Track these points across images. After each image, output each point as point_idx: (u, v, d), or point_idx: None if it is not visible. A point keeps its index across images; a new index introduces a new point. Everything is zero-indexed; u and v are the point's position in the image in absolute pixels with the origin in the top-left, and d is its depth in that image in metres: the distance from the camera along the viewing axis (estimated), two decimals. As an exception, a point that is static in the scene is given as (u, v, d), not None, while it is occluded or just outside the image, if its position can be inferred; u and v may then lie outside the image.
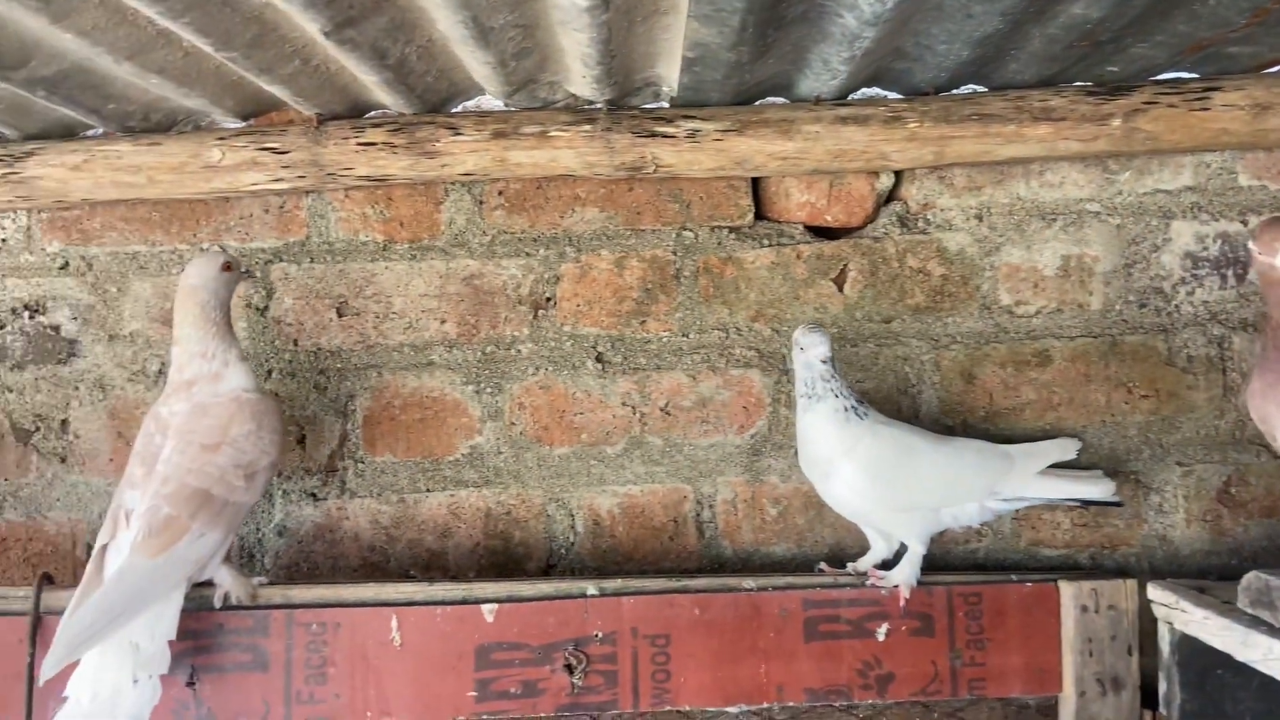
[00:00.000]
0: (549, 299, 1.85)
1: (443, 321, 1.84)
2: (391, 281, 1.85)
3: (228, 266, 1.55)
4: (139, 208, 1.84)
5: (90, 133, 1.78)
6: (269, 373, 1.84)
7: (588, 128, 1.75)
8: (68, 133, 1.77)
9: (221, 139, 1.74)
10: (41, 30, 1.33)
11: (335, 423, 1.83)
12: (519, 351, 1.84)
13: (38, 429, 1.83)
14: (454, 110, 1.80)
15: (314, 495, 1.82)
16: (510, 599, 1.56)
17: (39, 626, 1.43)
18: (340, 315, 1.85)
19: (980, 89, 1.80)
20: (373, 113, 1.80)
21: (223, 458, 1.45)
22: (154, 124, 1.76)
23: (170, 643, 1.41)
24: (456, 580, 1.78)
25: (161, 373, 1.83)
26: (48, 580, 1.48)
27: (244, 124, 1.80)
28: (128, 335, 1.84)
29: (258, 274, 1.80)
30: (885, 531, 1.58)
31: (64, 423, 1.83)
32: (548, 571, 1.82)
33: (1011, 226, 1.84)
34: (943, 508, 1.53)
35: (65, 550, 1.82)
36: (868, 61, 1.56)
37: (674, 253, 1.86)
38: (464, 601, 1.55)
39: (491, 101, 1.83)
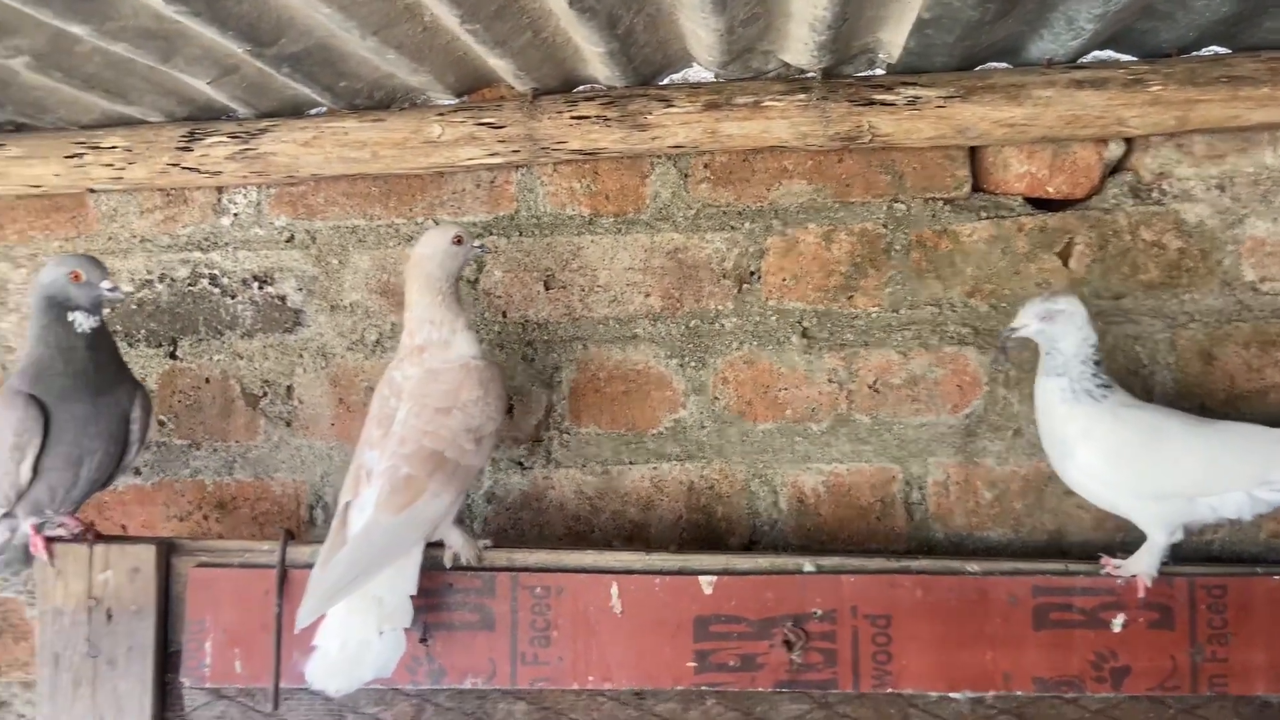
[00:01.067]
0: (753, 273, 1.83)
1: (647, 295, 1.85)
2: (597, 255, 1.86)
3: (458, 240, 1.59)
4: (359, 183, 1.91)
5: (316, 110, 1.86)
6: (480, 344, 1.88)
7: (802, 97, 1.71)
8: (296, 111, 1.85)
9: (441, 115, 1.79)
10: (299, 5, 1.39)
11: (542, 394, 1.86)
12: (723, 326, 1.83)
13: (265, 394, 1.93)
14: (662, 83, 1.79)
15: (521, 464, 1.86)
16: (726, 571, 1.55)
17: (285, 579, 1.50)
18: (547, 288, 1.87)
19: (1223, 50, 1.68)
20: (581, 87, 1.82)
21: (454, 421, 1.49)
22: (376, 101, 1.82)
23: (411, 598, 1.46)
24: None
25: (379, 343, 1.90)
26: (289, 536, 1.55)
27: (458, 100, 1.84)
28: (347, 306, 1.91)
29: (490, 251, 1.83)
30: (1132, 520, 1.49)
31: (289, 389, 1.92)
32: (749, 547, 1.81)
33: (1257, 198, 1.72)
34: (1200, 497, 1.43)
35: (290, 510, 1.91)
36: (1116, 20, 1.47)
37: (885, 225, 1.81)
38: (681, 572, 1.55)
39: (699, 73, 1.82)
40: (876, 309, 1.80)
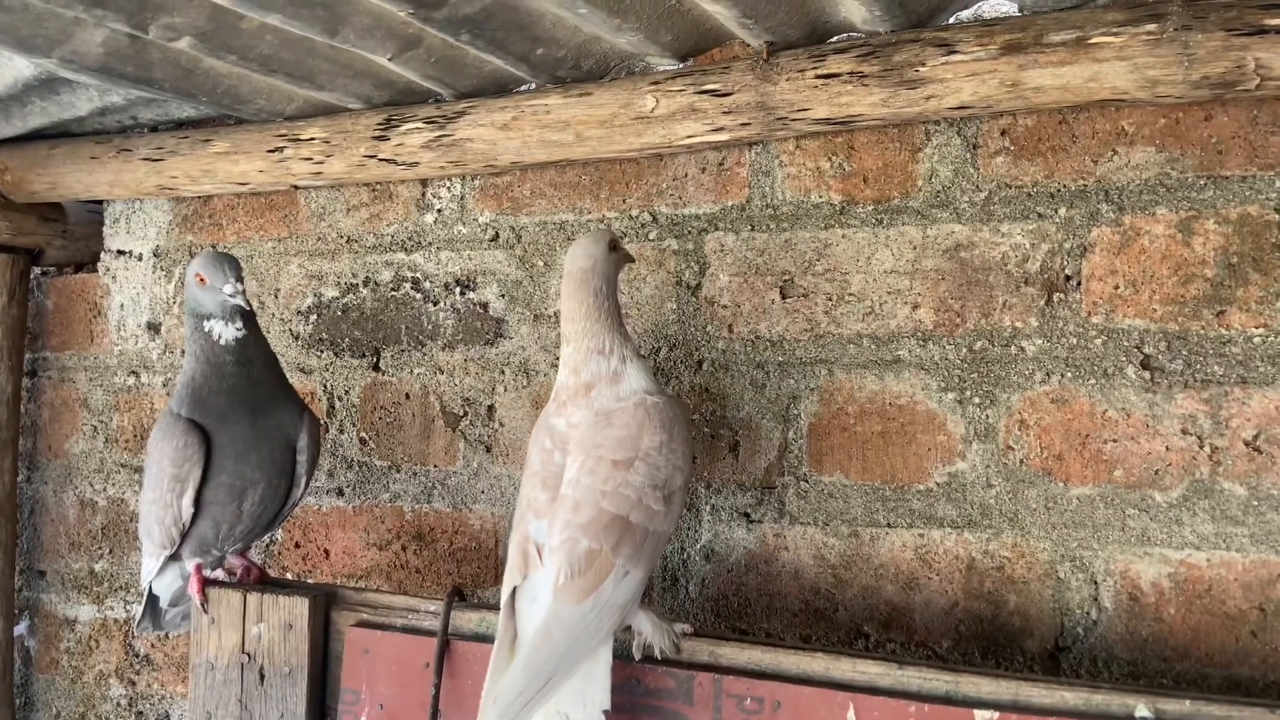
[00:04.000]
0: (1069, 278, 1.33)
1: (915, 307, 1.40)
2: (849, 254, 1.45)
3: (614, 245, 1.24)
4: (568, 171, 1.63)
5: (522, 89, 1.59)
6: (699, 364, 1.53)
7: (1151, 28, 1.19)
8: (500, 89, 1.60)
9: (655, 84, 1.45)
10: (460, -48, 1.11)
11: (775, 429, 1.48)
12: (1022, 350, 1.35)
13: (465, 414, 1.70)
14: (941, 24, 1.34)
15: (747, 515, 1.49)
16: (1015, 706, 1.09)
17: (447, 651, 1.25)
18: (784, 296, 1.48)
19: None
20: (832, 40, 1.40)
21: (637, 476, 1.15)
22: (585, 72, 1.52)
23: (606, 714, 1.14)
24: (930, 655, 1.36)
25: (585, 359, 1.61)
26: (458, 597, 1.30)
27: (679, 65, 1.50)
28: (552, 315, 1.64)
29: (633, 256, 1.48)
30: None
31: (490, 409, 1.68)
32: (1055, 656, 1.32)
33: None
34: None
35: (487, 548, 1.68)
36: None
37: (1278, 210, 1.23)
38: (948, 700, 1.11)
39: (994, 7, 1.34)
40: (1261, 331, 1.23)
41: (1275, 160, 1.23)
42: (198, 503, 1.30)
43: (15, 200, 1.92)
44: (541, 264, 1.65)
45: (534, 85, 1.57)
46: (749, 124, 1.41)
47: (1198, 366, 1.26)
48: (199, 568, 1.36)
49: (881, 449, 1.42)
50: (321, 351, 1.81)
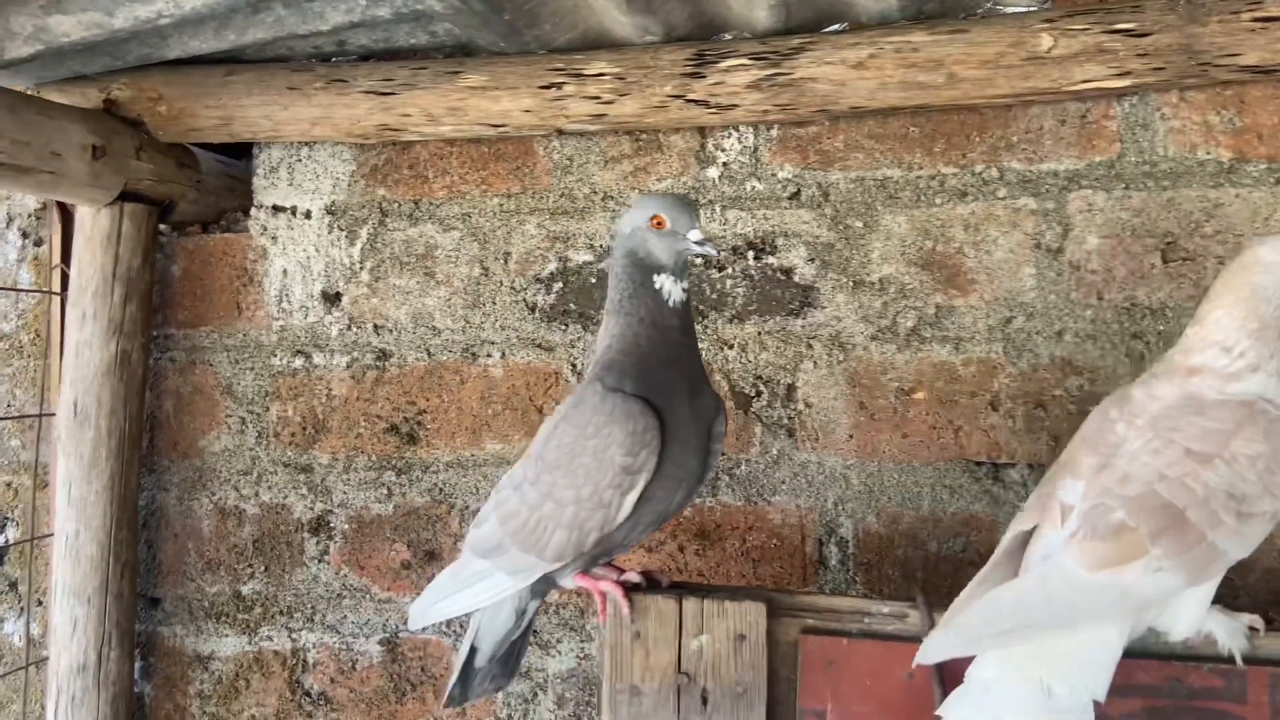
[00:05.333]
0: None
1: (1315, 271, 1.32)
2: (1244, 215, 1.36)
3: None
4: (892, 122, 1.46)
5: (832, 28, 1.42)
6: (1059, 334, 1.40)
7: None
8: (822, 24, 1.42)
9: (1049, 21, 1.32)
10: None
11: (1155, 404, 1.36)
12: None
13: (759, 394, 1.50)
14: (1394, -34, 1.27)
15: (1124, 499, 1.37)
16: None
17: (945, 665, 1.05)
18: (1166, 261, 1.38)
19: None
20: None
21: (1213, 475, 1.00)
22: (934, 11, 1.36)
23: (1096, 704, 0.99)
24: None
25: (916, 331, 1.45)
26: (921, 596, 1.10)
27: (1044, 4, 1.37)
28: (875, 282, 1.46)
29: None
30: None
31: (791, 388, 1.49)
32: None
33: None
34: None
35: (792, 545, 1.48)
36: None
37: None
38: None
39: None
40: None
41: None
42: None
43: (163, 139, 1.56)
44: (860, 225, 1.47)
45: (846, 25, 1.40)
46: (1163, 69, 1.29)
47: None
48: (592, 576, 1.10)
49: (1283, 422, 1.33)
50: (568, 324, 1.56)
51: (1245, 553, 1.03)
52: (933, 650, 1.00)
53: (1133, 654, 1.06)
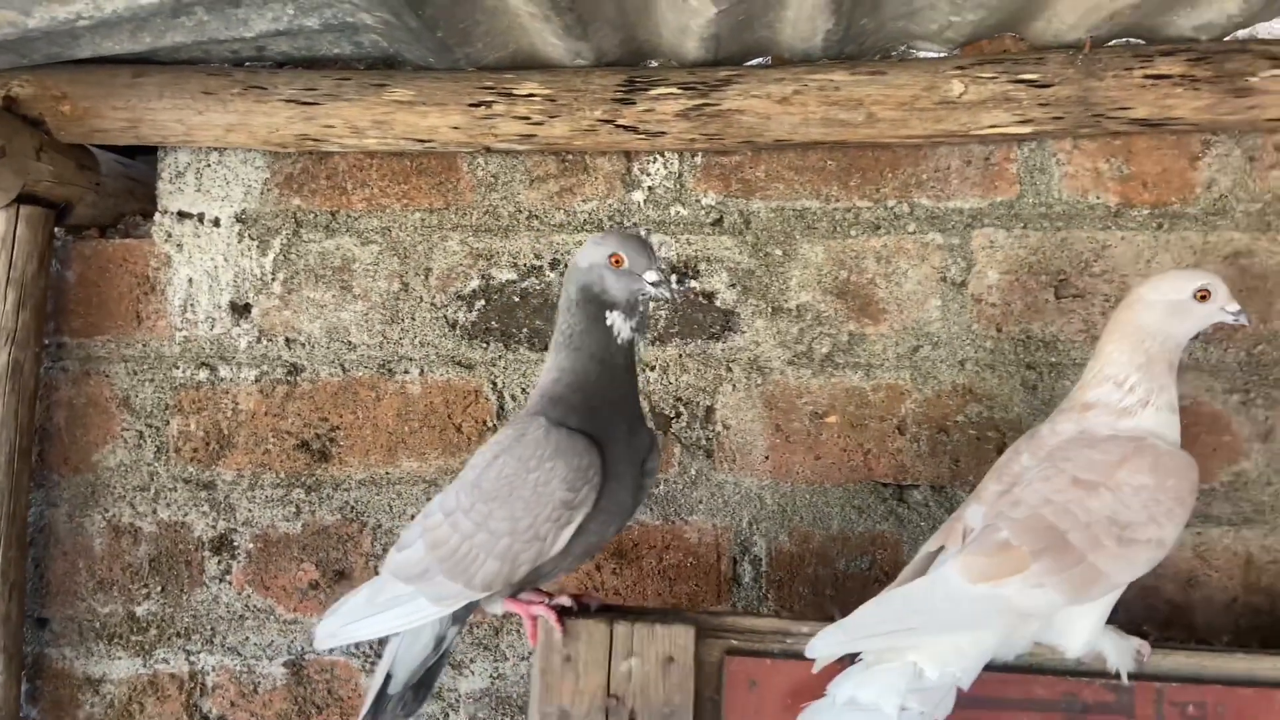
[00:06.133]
0: (1338, 287, 1.43)
1: (1190, 310, 1.44)
2: (1128, 256, 1.46)
3: (1203, 296, 1.15)
4: (811, 155, 1.52)
5: (753, 61, 1.46)
6: (961, 362, 1.48)
7: None
8: (745, 59, 1.46)
9: (960, 68, 1.39)
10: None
11: (1048, 431, 1.46)
12: (1296, 353, 1.43)
13: (679, 415, 1.53)
14: (1264, 36, 1.39)
15: (1018, 520, 1.45)
16: None
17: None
18: (1058, 296, 1.47)
19: None
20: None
21: (1097, 502, 1.08)
22: (864, 49, 1.42)
23: (959, 691, 1.07)
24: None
25: (831, 357, 1.50)
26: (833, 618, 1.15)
27: (951, 51, 1.45)
28: (793, 309, 1.52)
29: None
30: None
31: (709, 409, 1.52)
32: (1335, 644, 1.40)
33: None
34: None
35: (707, 563, 1.51)
36: None
37: None
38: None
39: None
40: None
41: None
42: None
43: (65, 139, 1.49)
44: (779, 253, 1.52)
45: (800, 59, 1.45)
46: (1062, 118, 1.38)
47: None
48: (522, 602, 1.10)
49: (1160, 449, 1.44)
50: (489, 343, 1.55)
51: (1131, 575, 1.11)
52: (821, 646, 1.06)
53: (1031, 669, 1.14)
